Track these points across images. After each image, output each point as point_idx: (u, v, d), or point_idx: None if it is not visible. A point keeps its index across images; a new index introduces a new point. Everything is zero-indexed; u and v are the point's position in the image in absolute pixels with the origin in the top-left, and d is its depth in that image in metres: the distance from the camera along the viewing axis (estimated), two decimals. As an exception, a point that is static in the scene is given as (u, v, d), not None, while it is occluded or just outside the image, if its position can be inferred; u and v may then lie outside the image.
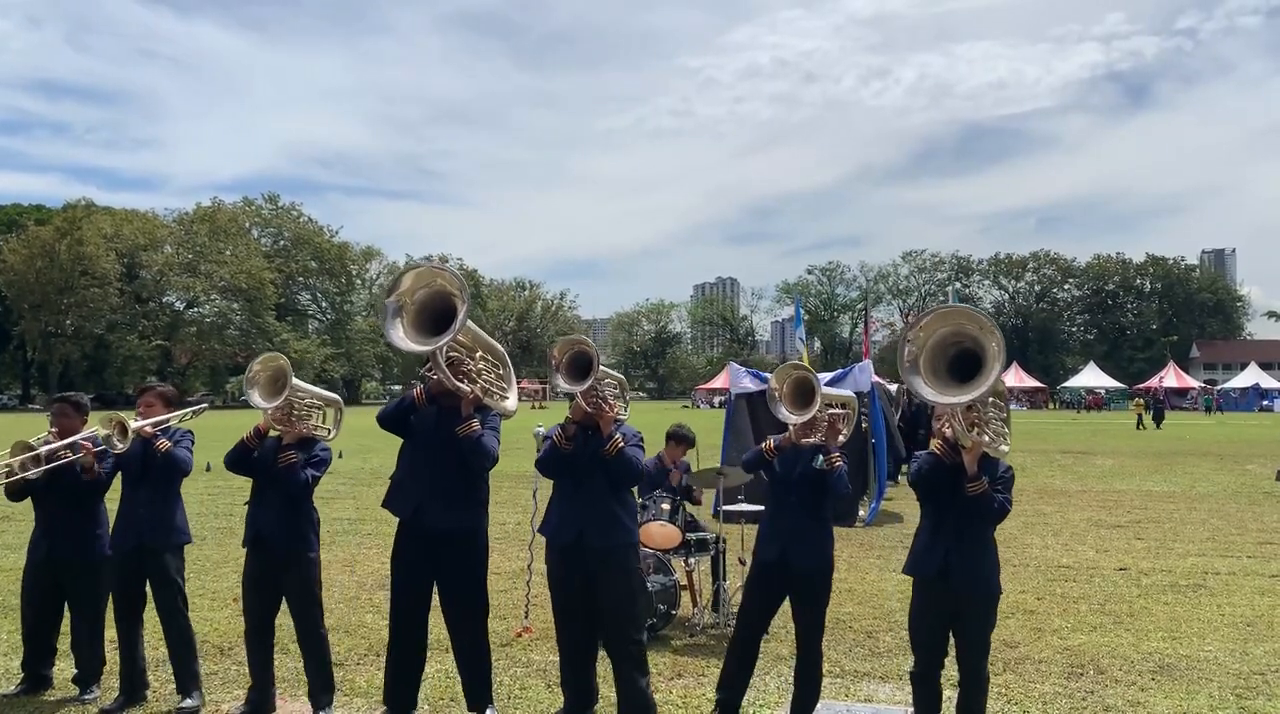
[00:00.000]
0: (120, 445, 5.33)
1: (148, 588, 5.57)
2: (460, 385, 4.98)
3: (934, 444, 4.78)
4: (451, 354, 5.02)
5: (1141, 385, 77.51)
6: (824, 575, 5.18)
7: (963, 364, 4.51)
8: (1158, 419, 42.05)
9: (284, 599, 5.37)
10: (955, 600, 4.64)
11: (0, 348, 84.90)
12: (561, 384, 5.04)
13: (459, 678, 5.72)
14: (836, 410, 5.40)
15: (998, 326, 4.46)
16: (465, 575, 5.13)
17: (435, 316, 4.86)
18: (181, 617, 5.51)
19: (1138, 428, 39.22)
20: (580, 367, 5.03)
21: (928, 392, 4.49)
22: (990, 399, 4.70)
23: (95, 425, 5.86)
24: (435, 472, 5.08)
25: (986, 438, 4.66)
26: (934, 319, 4.55)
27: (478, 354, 5.26)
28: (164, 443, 5.47)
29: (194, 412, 6.11)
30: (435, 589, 5.16)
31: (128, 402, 75.76)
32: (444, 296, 4.86)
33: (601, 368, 5.13)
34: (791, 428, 5.21)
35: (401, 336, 4.85)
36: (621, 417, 5.34)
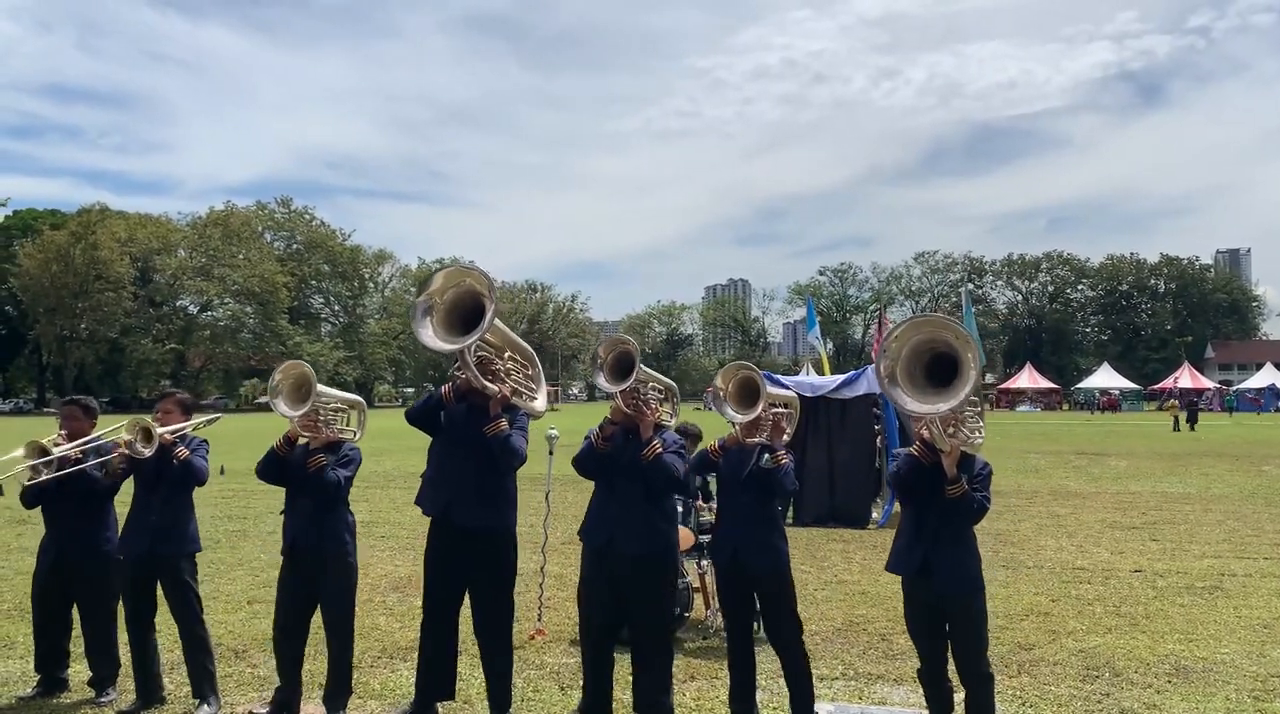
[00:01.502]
0: (146, 451, 5.35)
1: (158, 593, 5.59)
2: (488, 385, 5.01)
3: (913, 446, 4.81)
4: (480, 353, 5.06)
5: (1157, 386, 77.21)
6: (779, 573, 5.13)
7: (938, 368, 4.54)
8: (1192, 421, 41.15)
9: (319, 604, 5.34)
10: (939, 599, 4.69)
11: (16, 352, 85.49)
12: (603, 383, 5.05)
13: (471, 679, 5.74)
14: (780, 409, 5.39)
15: (970, 333, 4.54)
16: (494, 575, 5.16)
17: (464, 316, 4.91)
18: (196, 622, 5.52)
19: (1175, 430, 38.44)
20: (623, 367, 5.03)
21: (909, 402, 4.52)
22: None
23: (105, 428, 5.90)
24: (464, 470, 5.11)
25: (964, 435, 4.71)
26: (907, 329, 4.60)
27: (506, 354, 5.30)
28: (182, 451, 5.48)
29: (208, 421, 6.14)
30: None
31: (142, 405, 76.14)
32: (473, 296, 4.91)
33: (647, 371, 5.12)
34: (736, 427, 5.19)
35: (431, 336, 4.90)
36: (666, 422, 5.31)
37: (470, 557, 5.10)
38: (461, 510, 5.08)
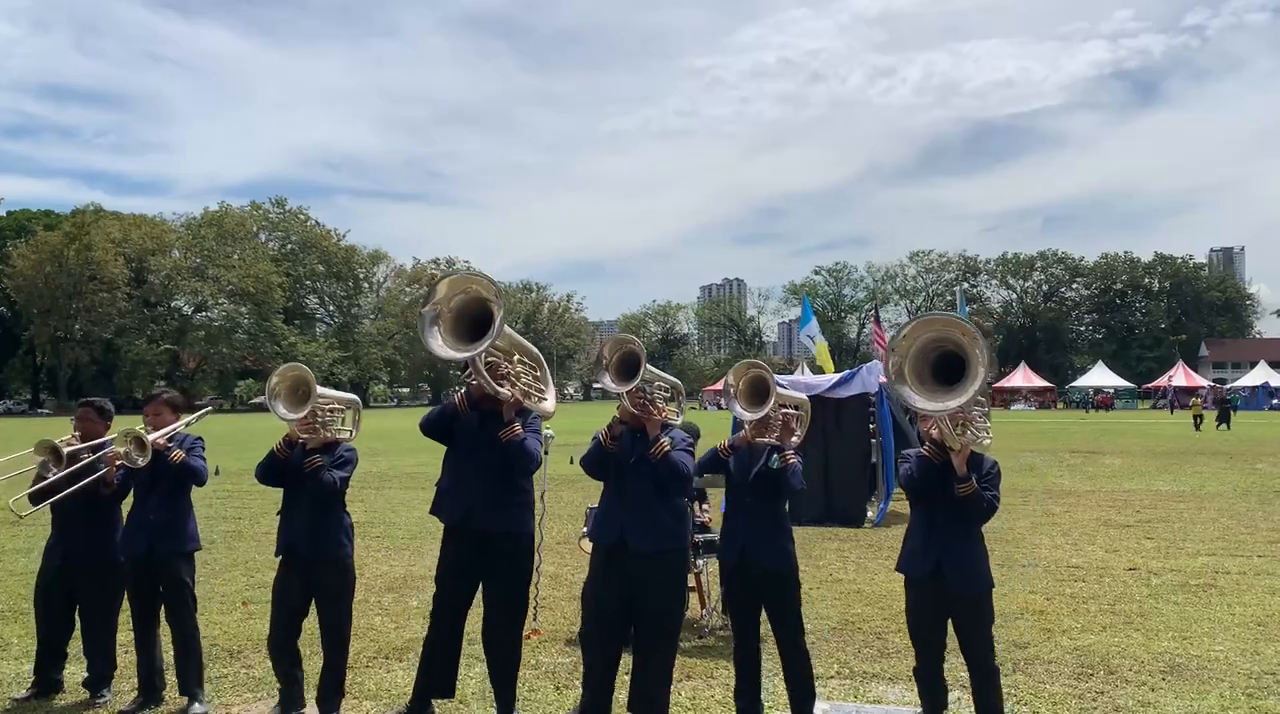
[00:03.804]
0: (140, 461, 5.37)
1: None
2: (500, 389, 5.02)
3: (923, 446, 4.82)
4: (489, 358, 5.05)
5: (1151, 384, 77.42)
6: (787, 573, 5.16)
7: (946, 366, 4.53)
8: (1224, 419, 40.15)
9: (315, 607, 5.32)
10: (949, 598, 4.71)
11: (9, 353, 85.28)
12: (609, 383, 5.02)
13: (468, 679, 5.73)
14: (790, 411, 5.42)
15: (980, 331, 4.45)
16: (512, 577, 5.20)
17: (472, 323, 4.91)
18: (189, 620, 5.52)
19: (1197, 429, 37.77)
20: (629, 367, 5.03)
21: (917, 400, 4.50)
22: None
23: (114, 435, 5.89)
24: (482, 476, 5.13)
25: (972, 435, 4.71)
26: (916, 326, 4.57)
27: (515, 357, 5.30)
28: (178, 454, 5.50)
29: (199, 417, 6.13)
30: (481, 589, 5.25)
31: (136, 406, 76.02)
32: (479, 302, 4.91)
33: (653, 370, 5.13)
34: (746, 427, 5.21)
35: (441, 345, 4.89)
36: (673, 421, 5.32)
37: (487, 559, 5.13)
38: (481, 516, 5.11)
